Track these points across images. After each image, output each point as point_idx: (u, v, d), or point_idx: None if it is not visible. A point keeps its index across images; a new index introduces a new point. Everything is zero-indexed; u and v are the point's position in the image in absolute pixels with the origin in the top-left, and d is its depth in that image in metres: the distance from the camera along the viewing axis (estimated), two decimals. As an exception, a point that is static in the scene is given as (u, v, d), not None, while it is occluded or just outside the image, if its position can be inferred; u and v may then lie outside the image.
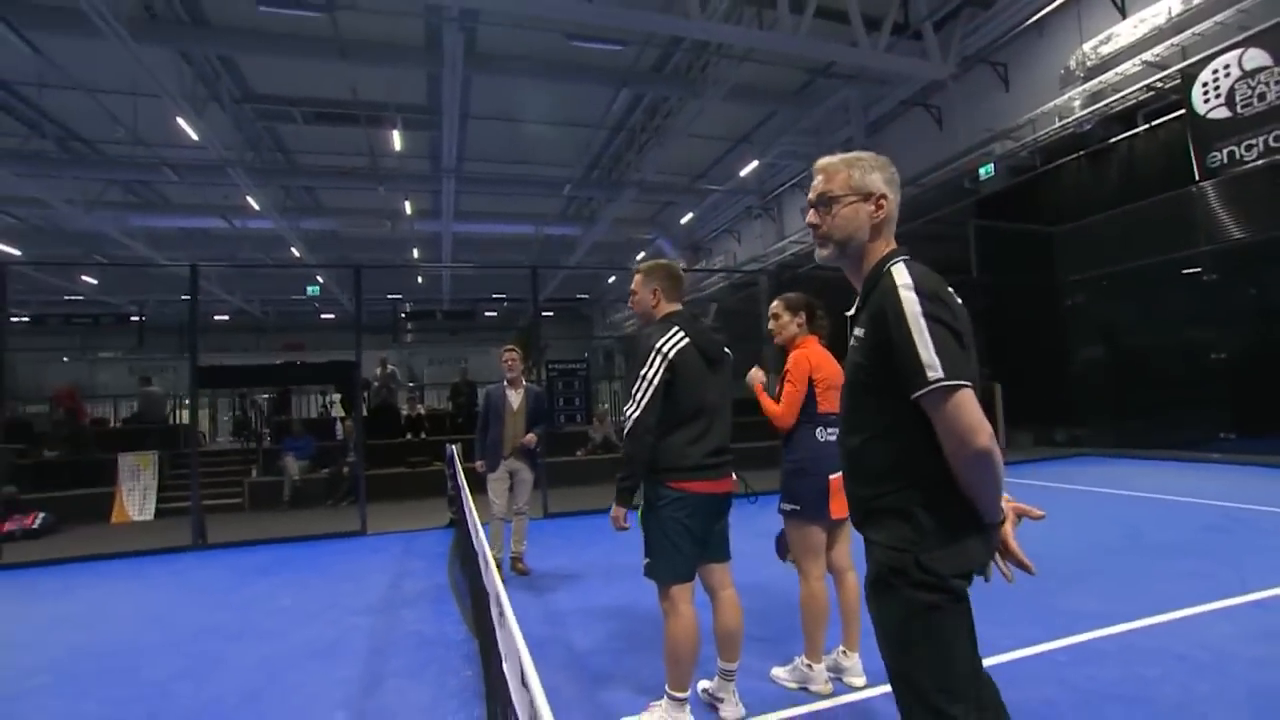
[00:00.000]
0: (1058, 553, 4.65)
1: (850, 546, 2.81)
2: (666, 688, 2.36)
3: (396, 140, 14.46)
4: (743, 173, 17.16)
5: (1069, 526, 5.53)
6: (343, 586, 4.87)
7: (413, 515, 7.72)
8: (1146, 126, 10.39)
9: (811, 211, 1.59)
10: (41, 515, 7.59)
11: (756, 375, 2.85)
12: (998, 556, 1.44)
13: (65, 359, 19.45)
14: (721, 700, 2.50)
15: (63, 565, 6.05)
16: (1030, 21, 11.64)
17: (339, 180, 16.41)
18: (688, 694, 2.35)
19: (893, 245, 1.56)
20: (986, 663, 2.47)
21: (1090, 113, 10.77)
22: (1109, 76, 10.42)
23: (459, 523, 5.86)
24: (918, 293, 1.37)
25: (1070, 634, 3.11)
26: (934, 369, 1.32)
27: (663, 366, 2.30)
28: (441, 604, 4.27)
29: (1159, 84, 9.82)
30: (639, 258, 25.29)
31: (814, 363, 2.70)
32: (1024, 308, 12.01)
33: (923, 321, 1.35)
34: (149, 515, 8.86)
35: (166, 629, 4.04)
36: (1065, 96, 11.09)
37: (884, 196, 1.54)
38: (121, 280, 22.82)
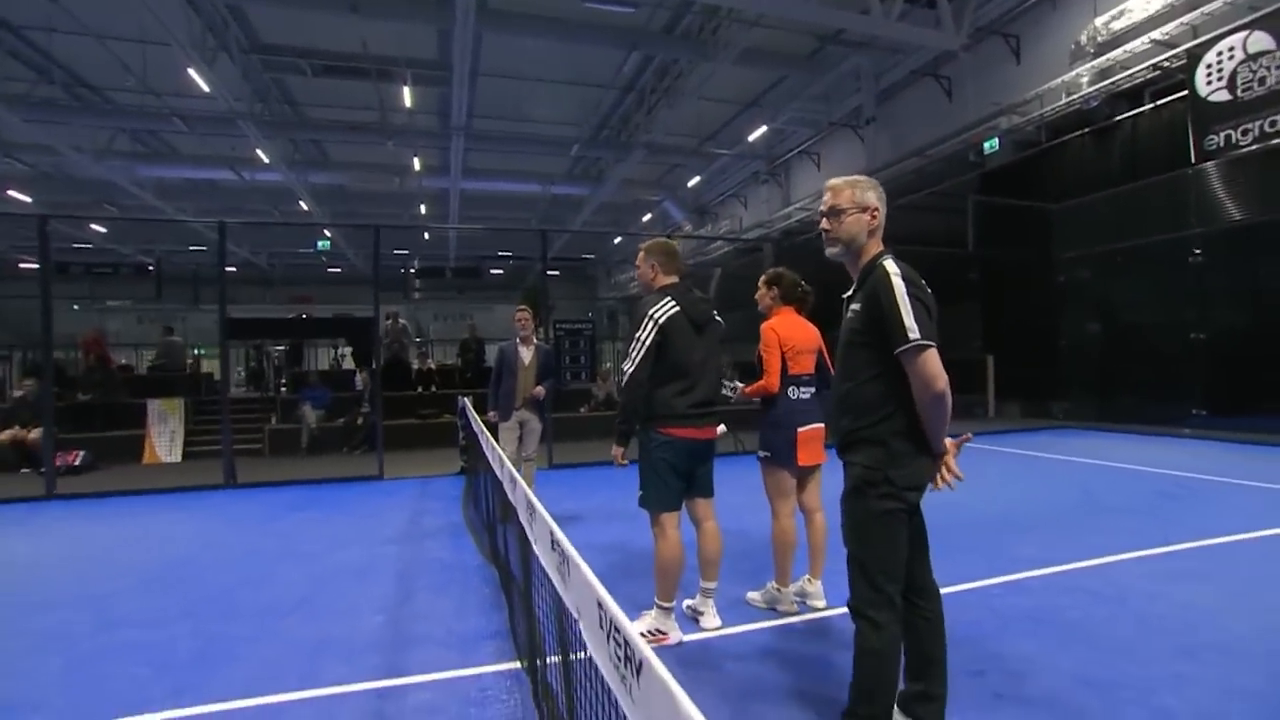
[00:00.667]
0: (1016, 509, 5.14)
1: (820, 490, 3.26)
2: (655, 598, 2.84)
3: (406, 96, 14.52)
4: (751, 137, 17.20)
5: (1034, 489, 6.02)
6: (367, 522, 5.38)
7: (425, 463, 8.23)
8: (1152, 105, 10.45)
9: (824, 220, 2.07)
10: (81, 453, 8.12)
11: (739, 390, 3.27)
12: (942, 473, 1.97)
13: (75, 307, 19.82)
14: (702, 614, 2.99)
15: (110, 498, 6.61)
16: (1043, -7, 11.59)
17: (348, 135, 16.47)
18: (673, 604, 2.83)
19: (881, 246, 2.06)
20: None
21: (1098, 89, 10.83)
22: (1118, 54, 10.45)
23: (470, 470, 6.34)
24: (904, 279, 1.91)
25: (1008, 573, 3.59)
26: (913, 331, 1.85)
27: (654, 330, 2.73)
28: (458, 538, 4.78)
29: (1166, 63, 9.88)
30: (645, 219, 25.38)
31: (782, 334, 3.11)
32: (1019, 283, 12.28)
33: (907, 300, 1.87)
34: (177, 457, 9.40)
35: (218, 550, 4.57)
36: (1074, 72, 11.12)
37: (877, 209, 2.05)
38: (130, 229, 23.03)
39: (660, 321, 2.74)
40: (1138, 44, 10.14)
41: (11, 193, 17.16)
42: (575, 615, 1.15)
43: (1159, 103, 10.33)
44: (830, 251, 2.10)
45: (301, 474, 7.63)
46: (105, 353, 10.71)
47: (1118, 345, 10.70)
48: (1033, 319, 11.96)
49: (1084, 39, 10.97)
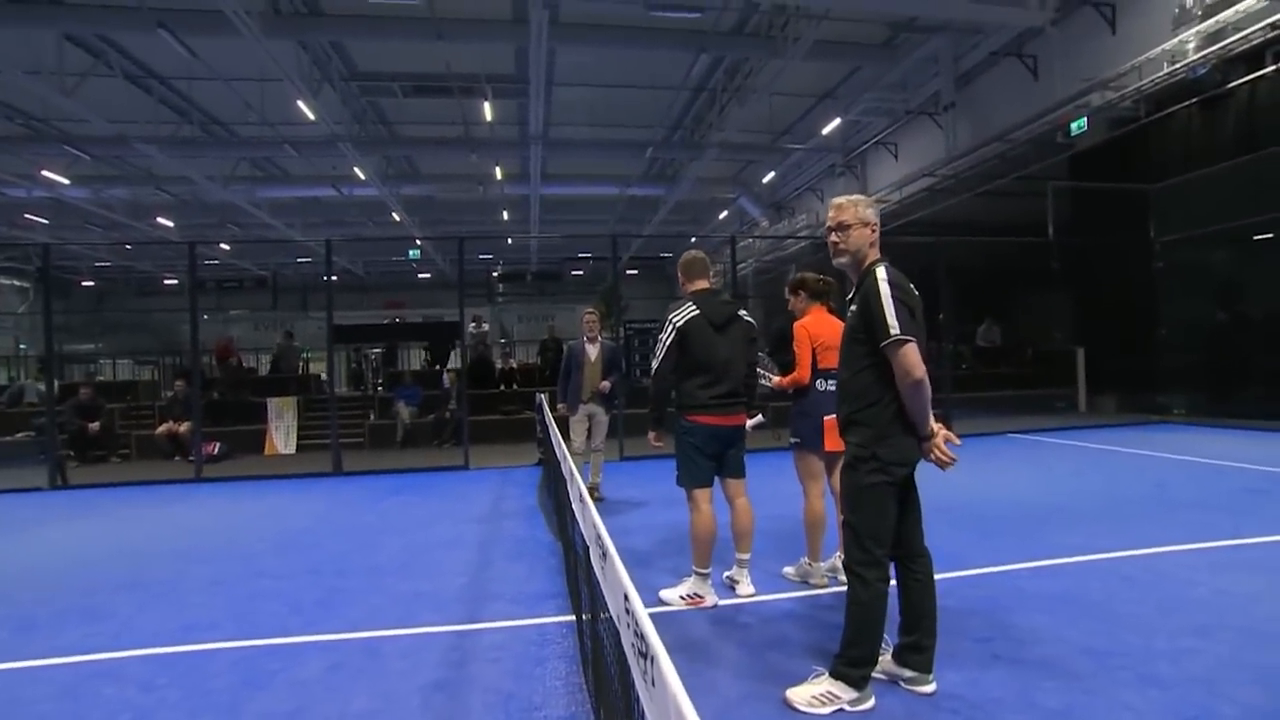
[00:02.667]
0: (1073, 501, 5.12)
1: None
2: (693, 565, 3.23)
3: (487, 110, 15.45)
4: (825, 130, 16.98)
5: (1102, 482, 5.89)
6: (454, 504, 6.06)
7: (506, 455, 8.93)
8: (1276, 68, 9.51)
9: (832, 234, 2.40)
10: (219, 444, 9.38)
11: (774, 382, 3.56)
12: (935, 453, 2.26)
13: (205, 317, 22.33)
14: (738, 582, 3.35)
15: (242, 481, 7.71)
16: (1147, -48, 10.80)
17: (435, 149, 17.71)
18: (708, 570, 3.21)
19: (877, 255, 2.37)
20: (960, 574, 3.22)
21: (1205, 56, 9.97)
22: (1229, 14, 9.55)
23: (546, 461, 6.91)
24: (890, 284, 2.23)
25: (1042, 559, 3.70)
26: (895, 328, 2.16)
27: (672, 332, 3.16)
28: (533, 519, 5.34)
29: (1291, 19, 9.02)
30: (721, 216, 25.52)
31: (811, 331, 3.40)
32: (1111, 270, 11.61)
33: (891, 302, 2.19)
34: (291, 449, 10.58)
35: (331, 524, 5.38)
36: (1178, 39, 10.31)
37: (875, 225, 2.38)
38: (249, 246, 25.59)
39: (678, 324, 3.15)
40: (1253, 1, 9.29)
41: (159, 219, 19.64)
42: (586, 541, 1.53)
43: (1284, 63, 9.40)
44: (838, 262, 2.41)
45: (397, 464, 8.52)
46: (235, 357, 12.17)
47: (1229, 334, 9.91)
48: (1127, 307, 11.28)
49: (1190, 1, 10.16)
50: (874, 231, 2.35)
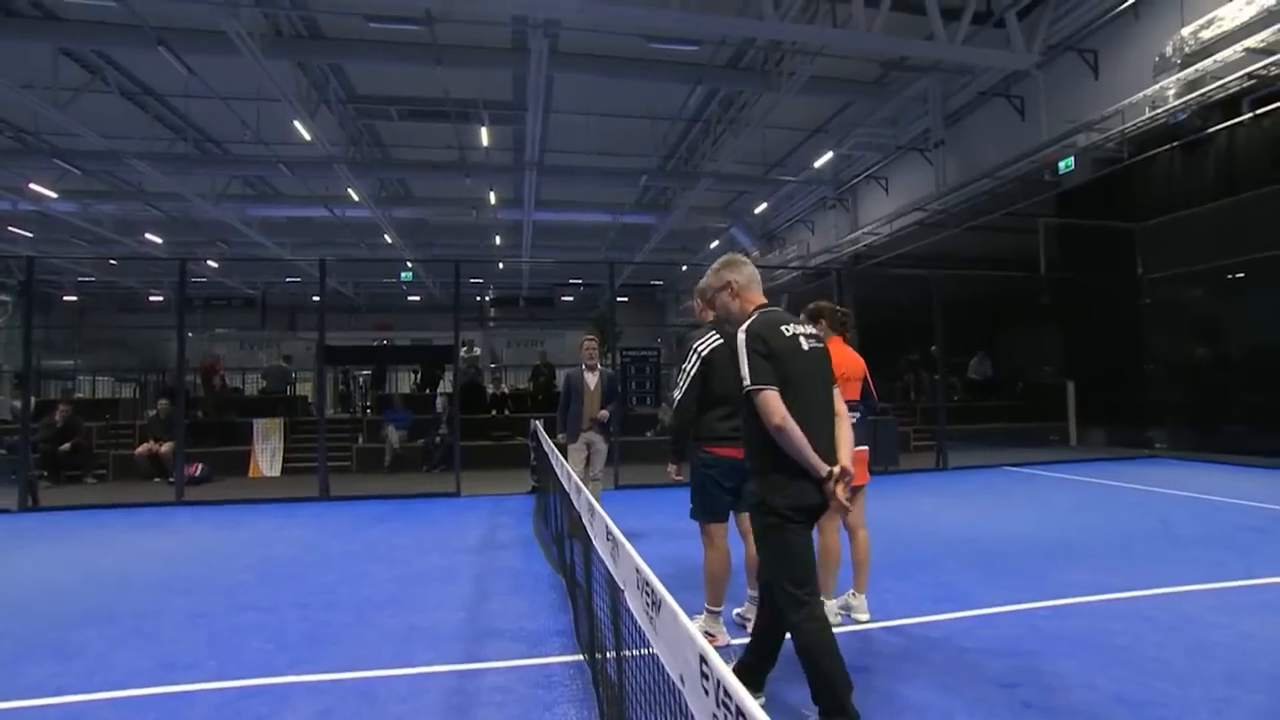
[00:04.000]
0: (1078, 537, 5.05)
1: (864, 509, 3.42)
2: (705, 604, 3.09)
3: (484, 135, 15.51)
4: (818, 163, 17.25)
5: (1104, 517, 5.84)
6: (447, 533, 5.86)
7: (499, 482, 8.73)
8: (1252, 115, 9.85)
9: (706, 310, 2.58)
10: (200, 466, 9.10)
11: None
12: (840, 497, 2.20)
13: (190, 334, 21.99)
14: (748, 620, 3.19)
15: (225, 505, 7.43)
16: (1125, 5, 11.20)
17: (430, 172, 17.73)
18: (721, 609, 3.07)
19: (755, 302, 2.44)
20: (972, 613, 3.14)
21: (1186, 102, 10.32)
22: (1208, 64, 9.93)
23: (541, 489, 6.74)
24: (748, 334, 2.27)
25: (1058, 598, 3.61)
26: (747, 379, 2.23)
27: (697, 362, 3.05)
28: (529, 549, 5.16)
29: (1264, 70, 9.36)
30: (712, 246, 25.69)
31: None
32: (1099, 305, 11.77)
33: (745, 354, 2.24)
34: (276, 472, 10.31)
35: (318, 553, 5.15)
36: (1159, 85, 10.66)
37: (736, 279, 2.47)
38: (237, 264, 25.35)
39: (703, 354, 3.04)
40: (1230, 52, 9.62)
41: (148, 235, 19.41)
42: (621, 586, 1.43)
43: (1259, 111, 9.74)
44: (724, 329, 2.58)
45: (386, 489, 8.28)
46: (220, 377, 11.90)
47: (1215, 370, 10.06)
48: (1115, 343, 11.42)
49: (1169, 50, 10.50)
50: (733, 287, 2.45)
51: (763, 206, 21.25)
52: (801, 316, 3.46)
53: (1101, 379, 11.59)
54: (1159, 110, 10.70)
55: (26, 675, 2.91)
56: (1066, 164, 12.09)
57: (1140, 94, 10.87)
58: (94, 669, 2.96)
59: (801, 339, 2.32)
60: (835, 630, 3.20)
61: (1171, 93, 10.49)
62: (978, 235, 14.35)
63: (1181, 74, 10.26)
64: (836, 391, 2.41)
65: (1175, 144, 10.97)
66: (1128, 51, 11.65)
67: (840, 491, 2.18)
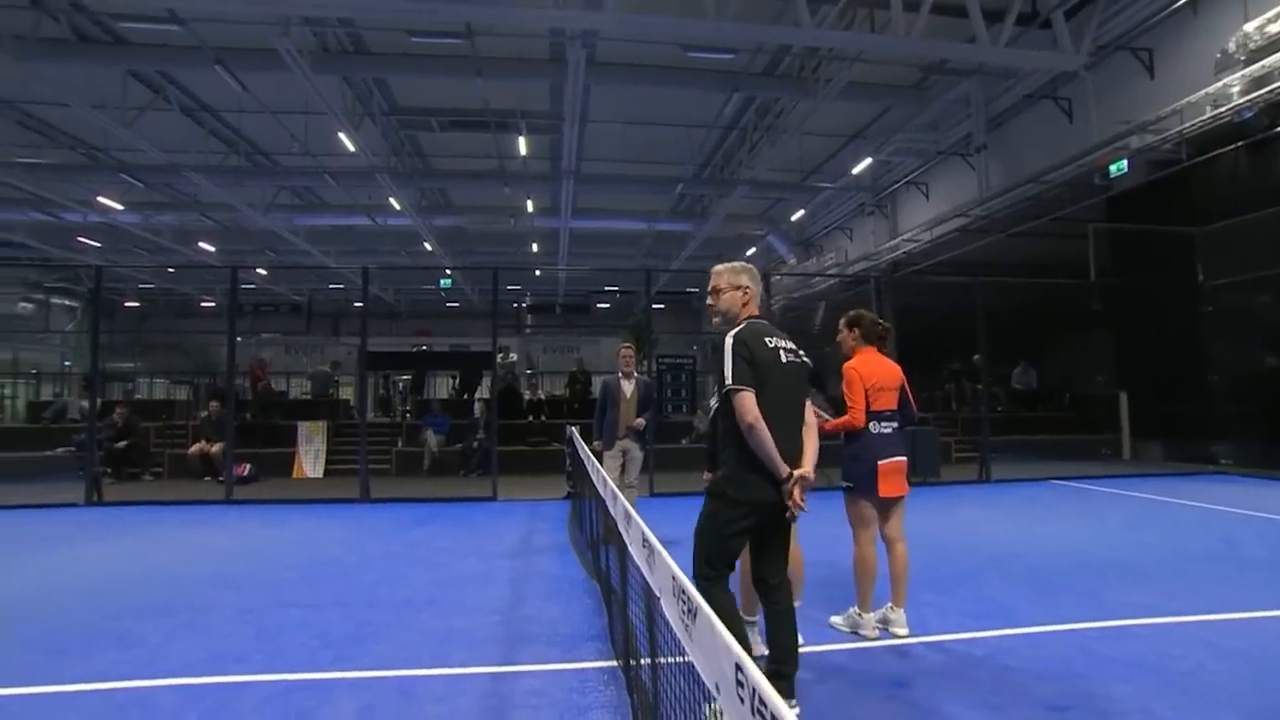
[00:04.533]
0: (1136, 556, 4.83)
1: (903, 522, 3.35)
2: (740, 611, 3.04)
3: (522, 144, 15.76)
4: (856, 170, 17.01)
5: (1163, 536, 5.59)
6: (484, 537, 5.95)
7: (535, 487, 8.82)
8: (1324, 111, 9.36)
9: (709, 298, 2.68)
10: (249, 466, 9.43)
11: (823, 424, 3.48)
12: (795, 498, 2.34)
13: (239, 339, 22.81)
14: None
15: (271, 504, 7.70)
16: (1183, 1, 10.76)
17: (469, 181, 18.09)
18: (755, 619, 3.03)
19: (750, 313, 2.59)
20: (1019, 631, 3.03)
21: (1251, 99, 9.83)
22: (1275, 60, 9.48)
23: (576, 495, 6.79)
24: (735, 340, 2.45)
25: (1110, 619, 3.46)
26: (729, 379, 2.38)
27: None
28: (564, 555, 5.20)
29: (1335, 65, 8.89)
30: (749, 253, 25.55)
31: (862, 372, 3.28)
32: (1155, 313, 11.29)
33: (730, 356, 2.41)
34: (319, 474, 10.60)
35: (359, 553, 5.29)
36: (1221, 83, 10.19)
37: (749, 287, 2.60)
38: (284, 271, 26.24)
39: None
40: (1302, 46, 9.17)
41: (202, 244, 20.30)
42: (657, 593, 1.43)
43: (1332, 107, 9.25)
44: (714, 322, 2.65)
45: (424, 493, 8.44)
46: (267, 380, 12.32)
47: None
48: (1172, 352, 10.92)
49: (1232, 46, 10.03)
50: (746, 294, 2.58)
51: (800, 213, 21.04)
52: (842, 322, 3.44)
53: (1158, 390, 11.10)
54: (1221, 109, 10.21)
55: (94, 661, 3.08)
56: (1119, 166, 11.66)
57: (1200, 92, 10.38)
58: (152, 658, 3.11)
59: (781, 352, 2.49)
60: (873, 644, 3.16)
61: (1236, 90, 9.99)
62: (1021, 241, 13.94)
63: (1246, 70, 9.78)
64: (809, 404, 2.58)
65: (1240, 144, 10.47)
66: (1186, 49, 11.18)
67: (797, 494, 2.33)
